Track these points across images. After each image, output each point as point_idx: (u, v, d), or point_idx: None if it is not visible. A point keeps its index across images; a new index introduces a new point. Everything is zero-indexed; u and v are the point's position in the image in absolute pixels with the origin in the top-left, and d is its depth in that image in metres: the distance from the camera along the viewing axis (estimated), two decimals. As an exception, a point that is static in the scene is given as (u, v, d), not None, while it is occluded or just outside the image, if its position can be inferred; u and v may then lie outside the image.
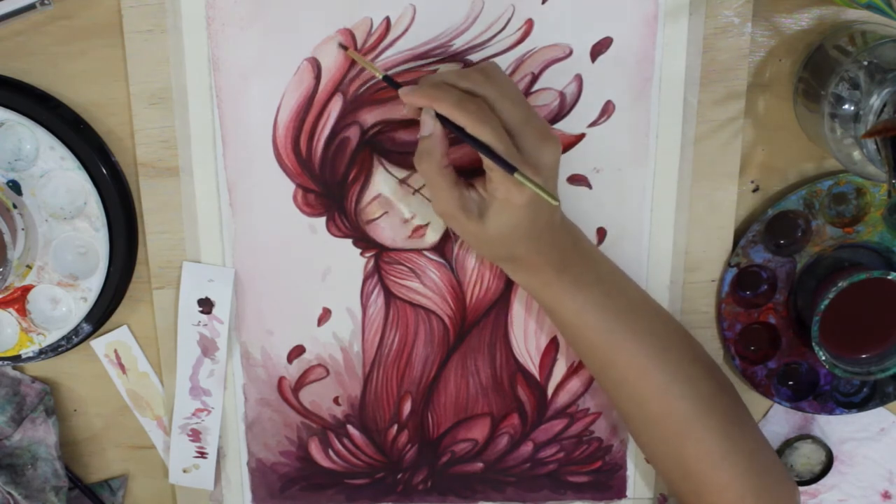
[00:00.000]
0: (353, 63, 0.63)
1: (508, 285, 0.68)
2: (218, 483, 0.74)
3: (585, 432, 0.72)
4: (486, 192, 0.58)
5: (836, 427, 0.73)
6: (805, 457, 0.73)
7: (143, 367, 0.71)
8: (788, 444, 0.72)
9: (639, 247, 0.67)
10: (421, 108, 0.58)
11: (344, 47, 0.63)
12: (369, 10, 0.62)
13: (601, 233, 0.67)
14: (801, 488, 0.74)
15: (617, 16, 0.62)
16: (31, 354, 0.69)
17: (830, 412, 0.70)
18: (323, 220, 0.67)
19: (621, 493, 0.74)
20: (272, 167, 0.66)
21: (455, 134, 0.56)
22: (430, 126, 0.57)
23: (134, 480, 0.75)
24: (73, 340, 0.69)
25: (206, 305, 0.68)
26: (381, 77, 0.61)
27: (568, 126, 0.64)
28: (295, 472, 0.74)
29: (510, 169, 0.54)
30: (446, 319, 0.69)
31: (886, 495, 0.75)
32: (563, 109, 0.64)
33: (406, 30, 0.62)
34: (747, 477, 0.62)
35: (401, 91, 0.59)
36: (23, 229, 0.65)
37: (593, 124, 0.64)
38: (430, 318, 0.69)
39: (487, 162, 0.56)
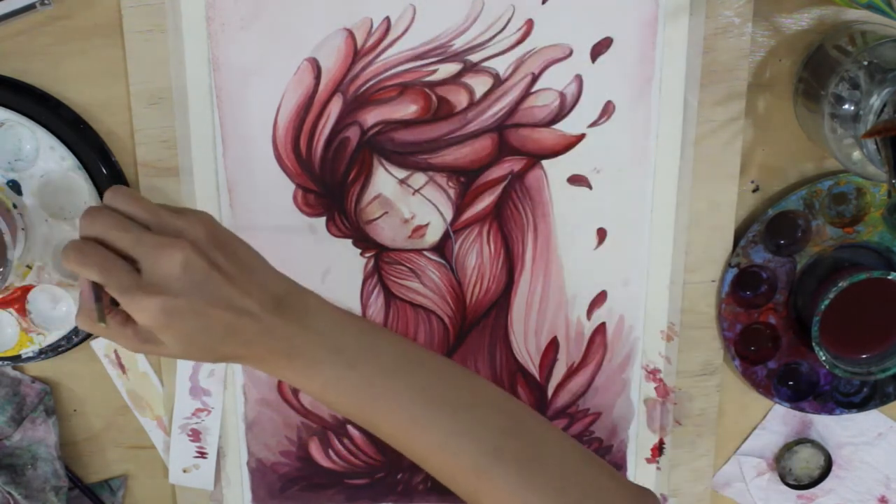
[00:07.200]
0: (353, 63, 0.63)
1: (508, 286, 0.68)
2: (218, 483, 0.74)
3: (585, 432, 0.72)
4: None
5: (835, 431, 0.73)
6: (804, 461, 0.73)
7: (143, 367, 0.71)
8: (788, 448, 0.72)
9: (639, 247, 0.67)
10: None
11: None
12: (369, 10, 0.62)
13: (601, 233, 0.67)
14: (799, 492, 0.74)
15: (617, 16, 0.62)
16: (31, 354, 0.69)
17: (830, 412, 0.70)
18: (323, 220, 0.67)
19: (621, 494, 0.74)
20: (272, 167, 0.66)
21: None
22: (80, 282, 0.55)
23: (134, 480, 0.75)
24: (73, 340, 0.69)
25: (206, 305, 0.68)
26: None
27: (568, 126, 0.64)
28: (295, 472, 0.74)
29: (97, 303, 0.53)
30: (446, 320, 0.69)
31: (883, 500, 0.75)
32: (563, 109, 0.64)
33: (406, 30, 0.62)
34: None
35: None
36: (23, 229, 0.65)
37: (593, 124, 0.64)
38: (430, 318, 0.69)
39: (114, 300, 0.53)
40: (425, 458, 0.56)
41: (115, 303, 0.54)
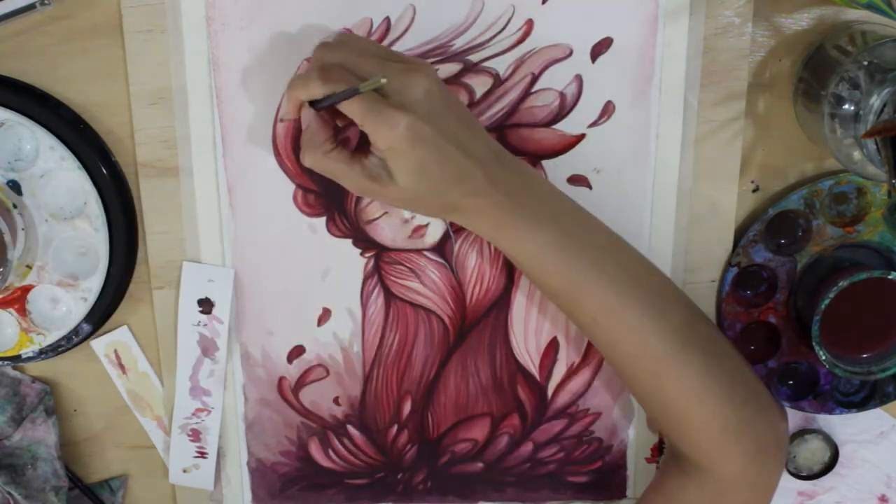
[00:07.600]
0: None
1: (508, 285, 0.68)
2: (218, 483, 0.74)
3: (585, 432, 0.72)
4: (377, 151, 0.55)
5: (837, 428, 0.73)
6: (810, 451, 0.73)
7: (143, 367, 0.71)
8: (799, 434, 0.72)
9: (639, 247, 0.66)
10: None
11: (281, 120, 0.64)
12: (369, 10, 0.62)
13: (601, 233, 0.67)
14: (799, 488, 0.74)
15: (617, 16, 0.62)
16: (31, 354, 0.69)
17: (830, 412, 0.70)
18: (323, 220, 0.67)
19: (621, 493, 0.74)
20: (272, 167, 0.66)
21: (330, 106, 0.55)
22: (306, 117, 0.56)
23: (134, 480, 0.75)
24: (73, 340, 0.69)
25: (206, 305, 0.68)
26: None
27: (568, 126, 0.64)
28: (295, 472, 0.74)
29: (353, 92, 0.52)
30: (446, 319, 0.69)
31: (884, 499, 0.75)
32: (563, 109, 0.64)
33: (406, 30, 0.62)
34: (728, 410, 0.60)
35: (281, 114, 0.60)
36: (23, 229, 0.65)
37: (593, 125, 0.64)
38: (430, 318, 0.69)
39: (357, 119, 0.54)
40: (616, 341, 0.59)
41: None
